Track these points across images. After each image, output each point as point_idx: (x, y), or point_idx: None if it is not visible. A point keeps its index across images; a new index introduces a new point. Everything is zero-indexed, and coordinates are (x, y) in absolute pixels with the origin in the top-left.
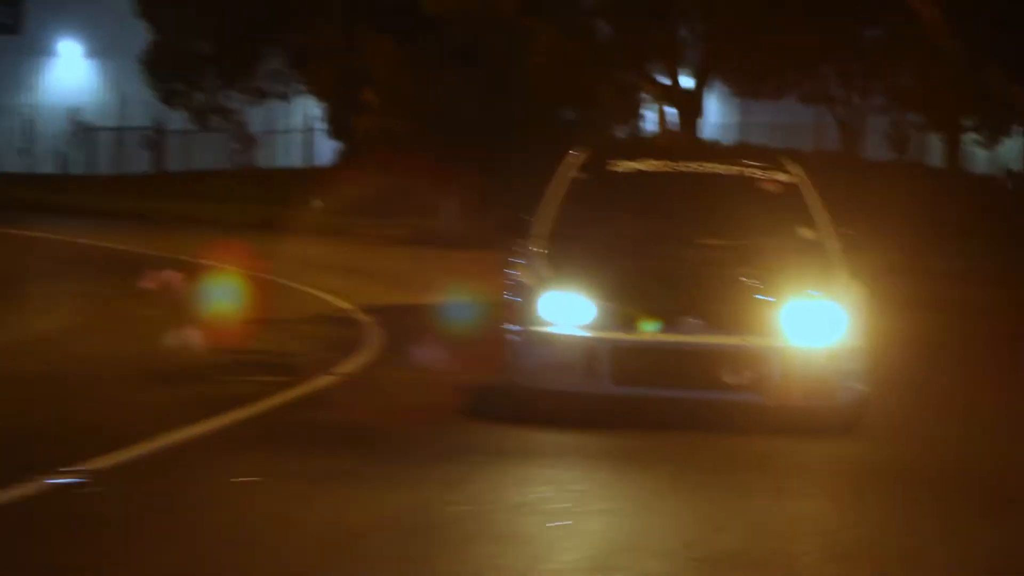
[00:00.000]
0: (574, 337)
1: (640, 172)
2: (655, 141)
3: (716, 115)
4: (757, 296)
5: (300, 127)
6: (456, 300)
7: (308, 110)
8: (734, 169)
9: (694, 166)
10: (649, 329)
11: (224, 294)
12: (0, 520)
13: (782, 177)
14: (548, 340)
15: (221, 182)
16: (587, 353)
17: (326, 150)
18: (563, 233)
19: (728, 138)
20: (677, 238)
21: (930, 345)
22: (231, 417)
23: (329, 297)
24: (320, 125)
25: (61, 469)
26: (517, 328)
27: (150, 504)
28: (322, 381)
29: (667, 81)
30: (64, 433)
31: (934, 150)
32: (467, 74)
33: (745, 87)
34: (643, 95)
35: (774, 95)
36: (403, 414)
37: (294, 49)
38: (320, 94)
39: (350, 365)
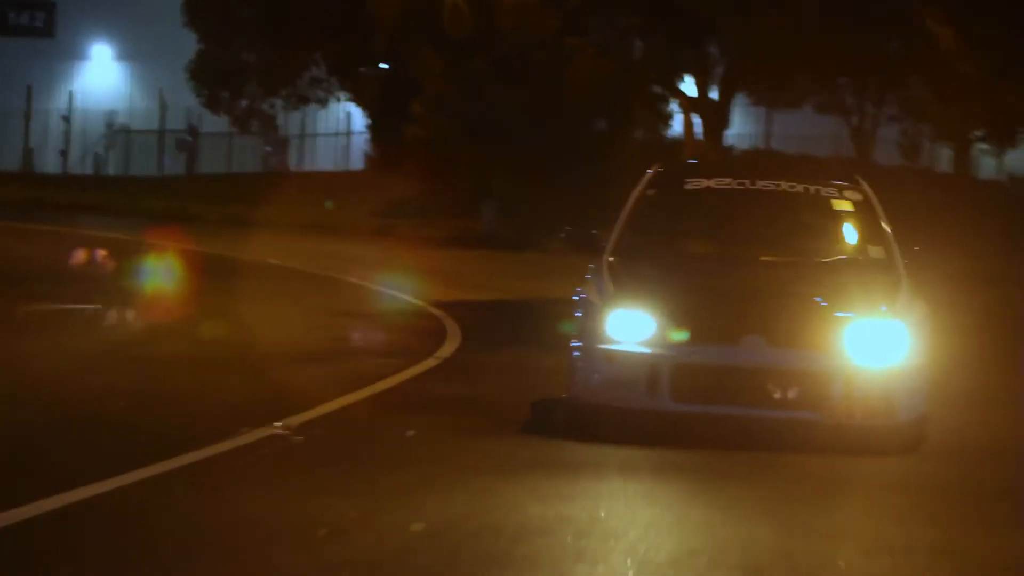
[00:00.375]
0: (635, 354)
1: (710, 189)
2: (730, 159)
3: (740, 126)
4: (819, 315)
5: (336, 132)
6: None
7: (347, 115)
8: (804, 187)
9: (766, 184)
10: (710, 347)
11: (314, 291)
12: (243, 455)
13: (851, 195)
14: (610, 357)
15: (258, 184)
16: (648, 370)
17: (360, 155)
18: (631, 250)
19: (750, 146)
20: (742, 256)
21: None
22: (375, 388)
23: (398, 294)
24: (361, 131)
25: (274, 424)
26: (580, 344)
27: (346, 448)
28: (429, 363)
29: (695, 93)
30: (257, 399)
31: (943, 157)
32: (511, 88)
33: (765, 97)
34: (672, 107)
35: (793, 105)
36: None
37: (338, 58)
38: (365, 103)
39: (445, 351)
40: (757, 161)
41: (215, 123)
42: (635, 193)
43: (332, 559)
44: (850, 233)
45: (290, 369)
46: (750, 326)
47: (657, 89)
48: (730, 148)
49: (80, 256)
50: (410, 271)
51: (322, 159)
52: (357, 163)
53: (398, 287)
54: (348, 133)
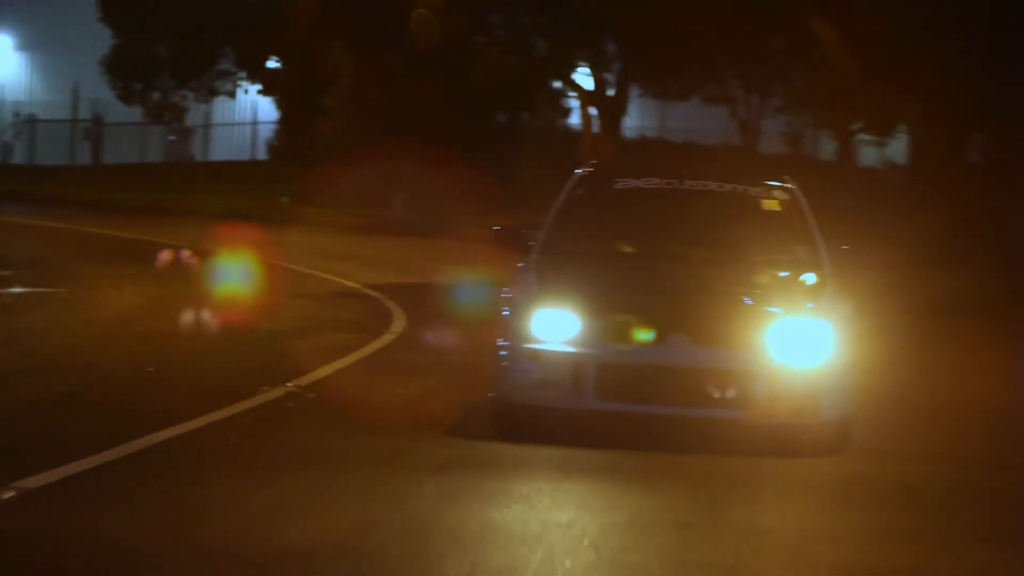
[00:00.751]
0: (561, 353)
1: (639, 189)
2: (658, 160)
3: (636, 118)
4: (745, 314)
5: (240, 122)
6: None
7: (253, 106)
8: (733, 186)
9: (694, 183)
10: (635, 346)
11: (252, 276)
12: (260, 413)
13: (779, 194)
14: (535, 356)
15: (169, 173)
16: (573, 369)
17: (265, 145)
18: (558, 249)
19: (638, 135)
20: (670, 255)
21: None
22: (352, 358)
23: (333, 277)
24: (267, 122)
25: (287, 384)
26: (507, 343)
27: (352, 402)
28: (387, 337)
29: (592, 88)
30: (260, 366)
31: (826, 146)
32: (421, 84)
33: (656, 90)
34: (572, 101)
35: (682, 96)
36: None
37: (248, 52)
38: (276, 95)
39: (398, 327)
40: (683, 160)
41: (127, 113)
42: (564, 192)
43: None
44: (777, 232)
45: (274, 343)
46: (676, 325)
47: (557, 84)
48: (624, 139)
49: (166, 257)
50: (336, 257)
51: (227, 149)
52: (262, 153)
53: (330, 271)
54: (255, 123)
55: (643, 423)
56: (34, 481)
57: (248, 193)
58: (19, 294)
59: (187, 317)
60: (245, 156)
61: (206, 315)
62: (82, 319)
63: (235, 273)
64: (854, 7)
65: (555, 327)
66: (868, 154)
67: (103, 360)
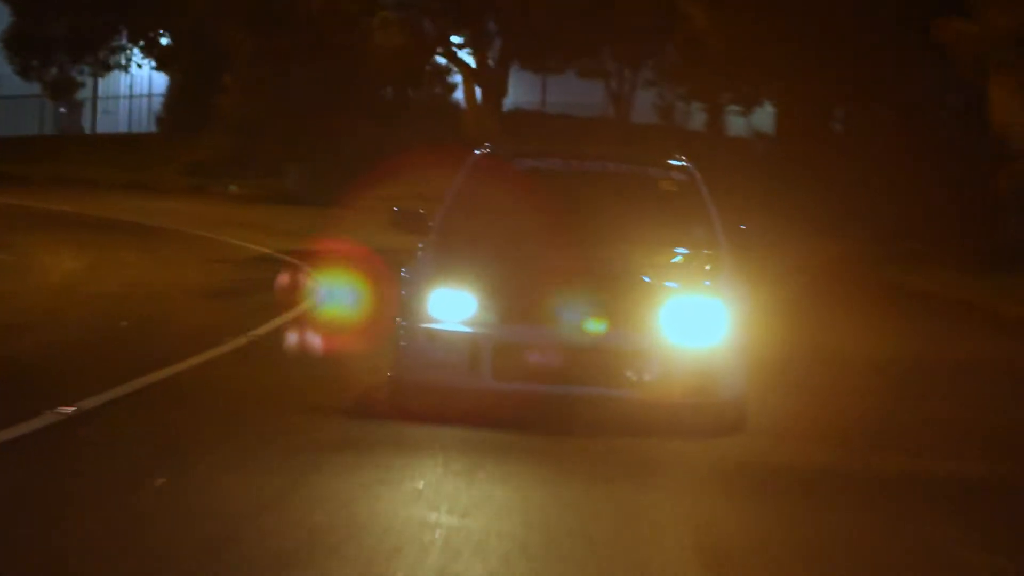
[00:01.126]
0: (457, 333)
1: (538, 170)
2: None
3: (518, 93)
4: (640, 294)
5: (136, 95)
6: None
7: (148, 79)
8: (631, 167)
9: (592, 164)
10: (530, 326)
11: (174, 243)
12: (250, 350)
13: (677, 175)
14: (432, 336)
15: (66, 145)
16: (469, 349)
17: (155, 119)
18: (456, 230)
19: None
20: (566, 236)
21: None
22: (294, 313)
23: (246, 244)
24: (157, 94)
25: (248, 332)
26: (404, 323)
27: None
28: (313, 300)
29: (475, 65)
30: (215, 322)
31: (697, 117)
32: (315, 62)
33: (534, 64)
34: (456, 78)
35: (558, 70)
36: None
37: (143, 28)
38: (173, 72)
39: (317, 289)
40: (586, 147)
41: (27, 88)
42: (462, 173)
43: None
44: (675, 213)
45: (218, 301)
46: (571, 306)
47: (442, 62)
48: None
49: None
50: (241, 226)
51: (123, 122)
52: (151, 126)
53: (241, 239)
54: (150, 96)
55: (540, 403)
56: (87, 403)
57: (145, 164)
58: None
59: (121, 279)
60: (140, 129)
61: (134, 278)
62: (37, 284)
63: (152, 239)
64: None
65: (452, 307)
66: (737, 124)
67: (80, 316)
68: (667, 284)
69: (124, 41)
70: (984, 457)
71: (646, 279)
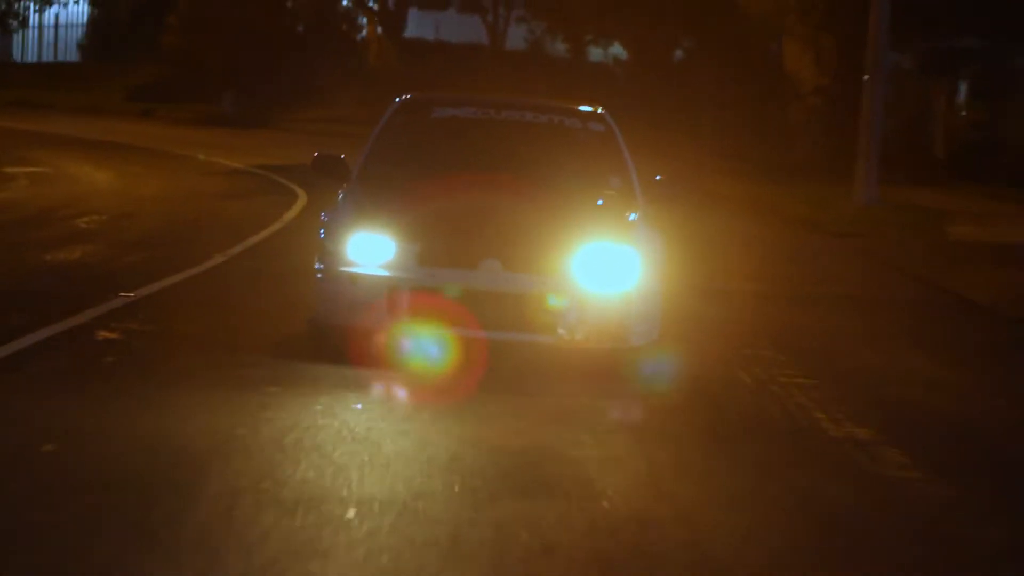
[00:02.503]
0: (375, 277)
1: (456, 118)
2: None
3: (415, 29)
4: (554, 241)
5: (66, 24)
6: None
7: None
8: (549, 117)
9: (511, 114)
10: (447, 270)
11: (156, 159)
12: (268, 243)
13: (594, 125)
14: (351, 279)
15: (11, 73)
16: (387, 293)
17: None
18: (376, 176)
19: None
20: (484, 183)
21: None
22: (294, 212)
23: (217, 160)
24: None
25: (283, 218)
26: (323, 267)
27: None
28: (302, 200)
29: (375, 6)
30: (229, 223)
31: (560, 47)
32: (245, 5)
33: (423, 3)
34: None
35: (439, 7)
36: None
37: None
38: (102, 7)
39: (307, 193)
40: (506, 96)
41: None
42: (383, 120)
43: None
44: (591, 162)
45: (239, 202)
46: (488, 251)
47: (348, 3)
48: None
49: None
50: (202, 145)
51: (44, 51)
52: (74, 56)
53: (209, 155)
54: (83, 25)
55: (456, 346)
56: (142, 291)
57: (86, 89)
58: (24, 173)
59: (159, 186)
60: (64, 58)
61: (168, 184)
62: (95, 189)
63: (142, 155)
64: None
65: (370, 251)
66: (596, 53)
67: (157, 211)
68: (583, 232)
69: None
70: (755, 279)
71: (561, 227)
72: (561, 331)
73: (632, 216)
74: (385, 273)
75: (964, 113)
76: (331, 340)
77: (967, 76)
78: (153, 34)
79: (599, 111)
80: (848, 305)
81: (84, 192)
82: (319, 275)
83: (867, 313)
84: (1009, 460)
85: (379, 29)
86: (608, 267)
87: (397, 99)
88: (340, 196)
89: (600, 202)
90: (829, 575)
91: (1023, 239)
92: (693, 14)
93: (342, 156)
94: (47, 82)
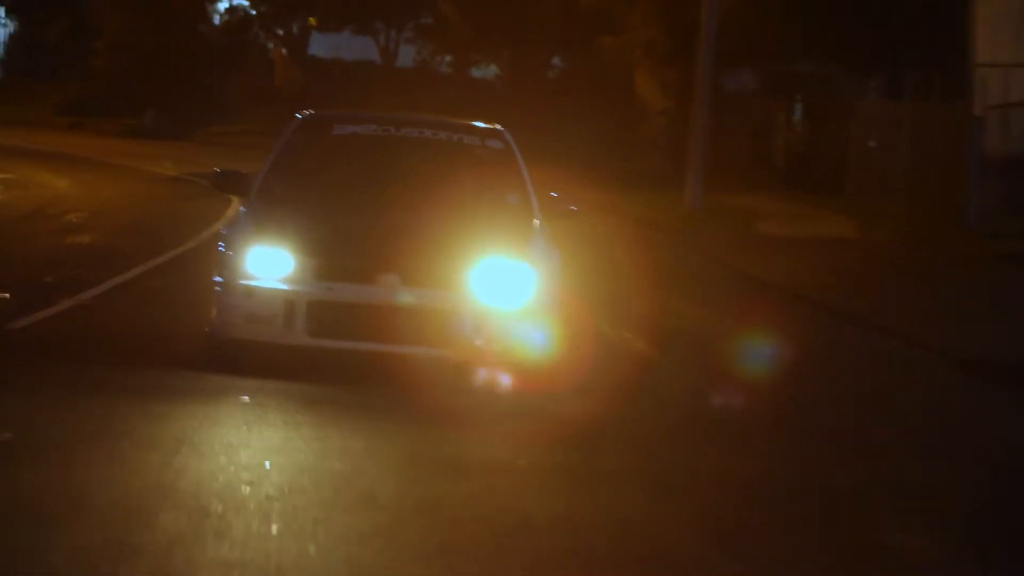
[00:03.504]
0: (273, 290)
1: (357, 135)
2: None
3: (319, 49)
4: (452, 256)
5: None
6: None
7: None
8: (448, 134)
9: (410, 131)
10: (344, 284)
11: (96, 167)
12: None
13: (492, 143)
14: (249, 292)
15: None
16: (285, 306)
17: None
18: (276, 191)
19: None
20: (383, 199)
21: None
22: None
23: (152, 168)
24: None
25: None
26: (222, 279)
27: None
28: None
29: (281, 32)
30: (191, 215)
31: (445, 64)
32: (163, 35)
33: (322, 26)
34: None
35: (336, 29)
36: None
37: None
38: (26, 26)
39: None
40: (406, 114)
41: None
42: (283, 137)
43: None
44: (489, 179)
45: (179, 204)
46: (385, 265)
47: (260, 32)
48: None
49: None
50: (134, 155)
51: None
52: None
53: (144, 165)
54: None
55: (355, 360)
56: (111, 281)
57: (12, 103)
58: None
59: (117, 190)
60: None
61: (124, 189)
62: (67, 192)
63: (88, 165)
64: None
65: (269, 265)
66: (478, 71)
67: (125, 205)
68: (479, 247)
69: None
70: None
71: (458, 243)
72: (455, 345)
73: (530, 232)
74: (283, 287)
75: (799, 129)
76: (229, 352)
77: (802, 97)
78: (80, 55)
79: (498, 128)
80: (658, 275)
81: (56, 195)
82: (218, 288)
83: (668, 280)
84: (689, 334)
85: (284, 51)
86: (505, 283)
87: (298, 115)
88: (241, 211)
89: (498, 219)
90: None
91: (811, 235)
92: (559, 41)
93: (243, 172)
94: None
